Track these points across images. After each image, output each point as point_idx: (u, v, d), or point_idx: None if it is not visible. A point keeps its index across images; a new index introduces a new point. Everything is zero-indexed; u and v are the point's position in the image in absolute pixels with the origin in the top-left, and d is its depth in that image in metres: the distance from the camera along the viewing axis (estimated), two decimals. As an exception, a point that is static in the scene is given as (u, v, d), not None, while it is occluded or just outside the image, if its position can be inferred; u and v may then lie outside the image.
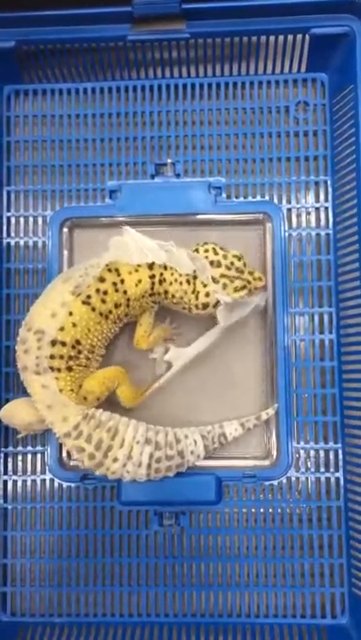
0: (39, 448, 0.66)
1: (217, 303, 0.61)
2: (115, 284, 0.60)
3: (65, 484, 0.66)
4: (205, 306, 0.61)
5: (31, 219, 0.69)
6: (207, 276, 0.60)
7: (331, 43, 0.65)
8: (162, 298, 0.62)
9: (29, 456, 0.67)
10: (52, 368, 0.59)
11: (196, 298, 0.60)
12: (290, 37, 0.66)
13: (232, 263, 0.61)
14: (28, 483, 0.66)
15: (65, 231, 0.69)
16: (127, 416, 0.63)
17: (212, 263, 0.60)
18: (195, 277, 0.61)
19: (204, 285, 0.60)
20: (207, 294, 0.60)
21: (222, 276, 0.60)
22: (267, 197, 0.68)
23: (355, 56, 0.63)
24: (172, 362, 0.66)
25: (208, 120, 0.69)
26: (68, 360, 0.59)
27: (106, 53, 0.67)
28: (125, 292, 0.60)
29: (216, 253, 0.61)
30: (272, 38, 0.66)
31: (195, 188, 0.68)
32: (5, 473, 0.67)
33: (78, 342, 0.60)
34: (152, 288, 0.61)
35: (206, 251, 0.61)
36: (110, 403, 0.64)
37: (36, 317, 0.60)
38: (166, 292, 0.61)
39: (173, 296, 0.61)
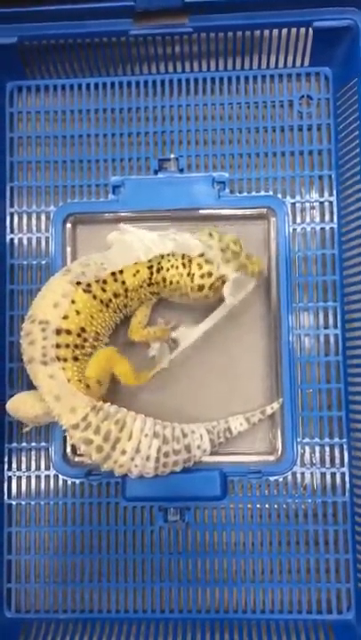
0: (43, 444, 0.66)
1: (212, 285, 0.60)
2: (113, 273, 0.61)
3: (69, 480, 0.66)
4: (201, 287, 0.61)
5: (34, 215, 0.69)
6: (216, 252, 0.60)
7: (334, 36, 0.65)
8: (161, 287, 0.62)
9: (33, 452, 0.66)
10: (58, 358, 0.59)
11: (192, 280, 0.61)
12: (293, 31, 0.66)
13: (228, 246, 0.61)
14: (33, 479, 0.66)
15: (68, 227, 0.68)
16: (133, 411, 0.62)
17: (207, 247, 0.61)
18: (190, 261, 0.61)
19: (200, 267, 0.60)
20: (202, 276, 0.60)
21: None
22: (271, 192, 0.68)
23: (358, 49, 0.63)
24: (179, 340, 0.66)
25: (211, 115, 0.69)
26: (74, 349, 0.60)
27: (108, 48, 0.67)
28: (124, 283, 0.61)
29: (211, 237, 0.61)
30: (275, 32, 0.66)
31: (198, 182, 0.68)
32: (10, 469, 0.67)
33: (83, 330, 0.60)
34: (150, 278, 0.62)
35: (202, 234, 0.62)
36: (118, 399, 0.65)
37: (39, 309, 0.60)
38: (164, 279, 0.62)
39: (171, 282, 0.62)
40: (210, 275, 0.60)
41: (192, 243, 0.61)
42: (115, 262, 0.61)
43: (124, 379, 0.63)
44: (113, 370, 0.63)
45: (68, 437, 0.62)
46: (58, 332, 0.59)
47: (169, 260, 0.62)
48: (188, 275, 0.61)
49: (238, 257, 0.61)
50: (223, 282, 0.61)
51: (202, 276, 0.60)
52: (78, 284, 0.60)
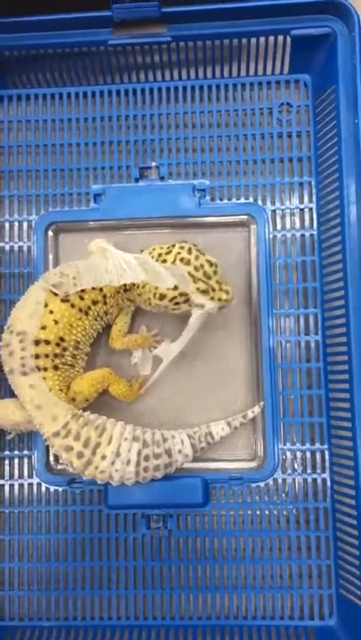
0: (26, 452, 0.66)
1: (173, 298, 0.60)
2: None
3: (52, 488, 0.66)
4: (162, 297, 0.60)
5: (16, 223, 0.69)
6: (188, 286, 0.60)
7: (312, 44, 0.65)
8: (132, 292, 0.62)
9: (16, 460, 0.67)
10: (38, 368, 0.59)
11: (156, 287, 0.60)
12: (271, 39, 0.66)
13: (202, 265, 0.60)
14: (16, 487, 0.66)
15: (50, 235, 0.69)
16: (114, 418, 0.62)
17: (181, 260, 0.60)
18: None
19: None
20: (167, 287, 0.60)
21: (188, 274, 0.60)
22: (251, 199, 0.68)
23: (336, 56, 0.63)
24: (161, 357, 0.66)
25: (192, 123, 0.69)
26: (53, 358, 0.60)
27: (88, 58, 0.67)
28: (102, 290, 0.61)
29: (189, 253, 0.61)
30: (253, 40, 0.66)
31: (179, 190, 0.68)
32: (-7, 477, 0.67)
33: (62, 339, 0.60)
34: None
35: (181, 247, 0.61)
36: (100, 408, 0.65)
37: (16, 320, 0.61)
38: (134, 282, 0.61)
39: (138, 286, 0.61)
40: (175, 288, 0.60)
41: (164, 276, 0.60)
42: (87, 282, 0.61)
43: (121, 397, 0.65)
44: (108, 389, 0.64)
45: (49, 446, 0.62)
46: (36, 342, 0.59)
47: None
48: None
49: (209, 279, 0.60)
50: (186, 300, 0.60)
51: (167, 287, 0.60)
52: (55, 295, 0.60)
